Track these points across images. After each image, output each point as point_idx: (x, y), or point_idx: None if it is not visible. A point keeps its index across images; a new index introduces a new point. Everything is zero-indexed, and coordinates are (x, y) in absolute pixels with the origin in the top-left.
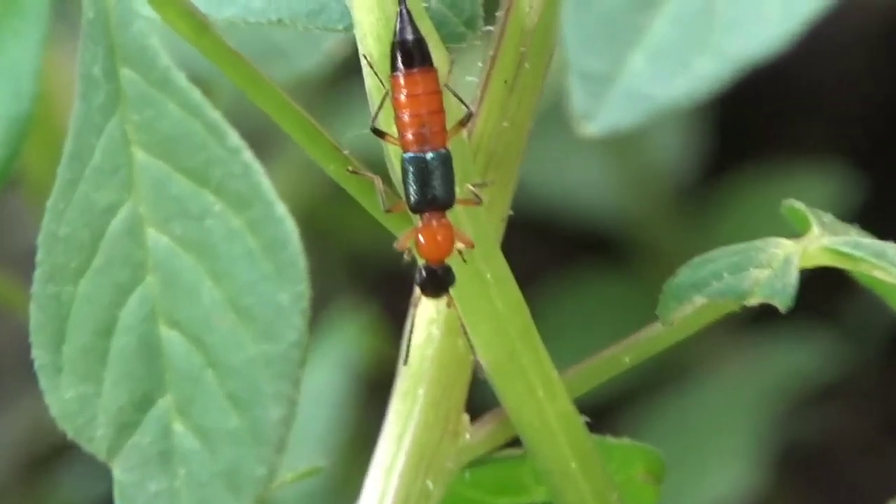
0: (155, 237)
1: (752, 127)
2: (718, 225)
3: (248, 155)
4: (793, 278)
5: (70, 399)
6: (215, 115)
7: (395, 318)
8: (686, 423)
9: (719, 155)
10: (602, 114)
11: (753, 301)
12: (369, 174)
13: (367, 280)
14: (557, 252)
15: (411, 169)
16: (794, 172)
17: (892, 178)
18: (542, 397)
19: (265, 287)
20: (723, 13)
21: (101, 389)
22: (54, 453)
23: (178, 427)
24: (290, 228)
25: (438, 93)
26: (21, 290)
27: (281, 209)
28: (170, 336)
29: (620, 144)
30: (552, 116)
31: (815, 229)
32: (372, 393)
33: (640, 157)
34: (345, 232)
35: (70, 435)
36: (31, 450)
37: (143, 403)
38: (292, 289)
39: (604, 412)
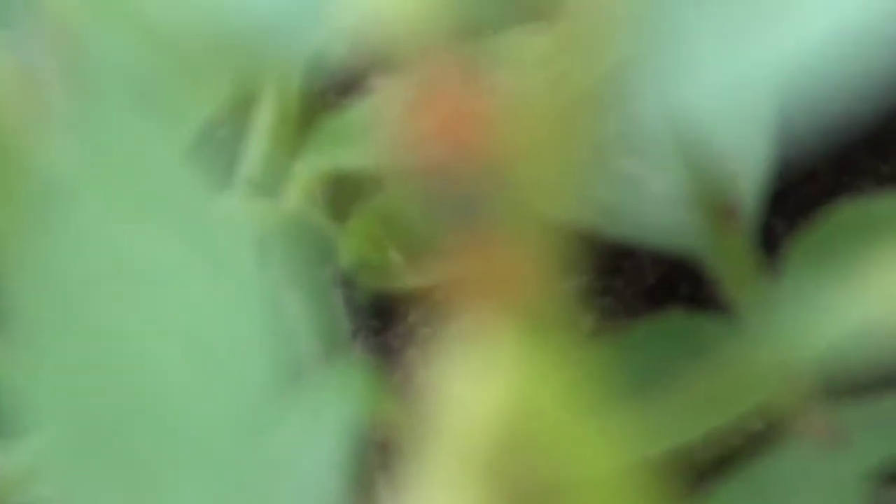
0: (112, 285)
1: None
2: None
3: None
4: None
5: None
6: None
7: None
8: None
9: None
10: None
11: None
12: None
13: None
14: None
15: (438, 190)
16: None
17: None
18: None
19: (237, 340)
20: None
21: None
22: None
23: None
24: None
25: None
26: None
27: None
28: (137, 407)
29: None
30: None
31: None
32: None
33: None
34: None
35: None
36: None
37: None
38: (266, 344)
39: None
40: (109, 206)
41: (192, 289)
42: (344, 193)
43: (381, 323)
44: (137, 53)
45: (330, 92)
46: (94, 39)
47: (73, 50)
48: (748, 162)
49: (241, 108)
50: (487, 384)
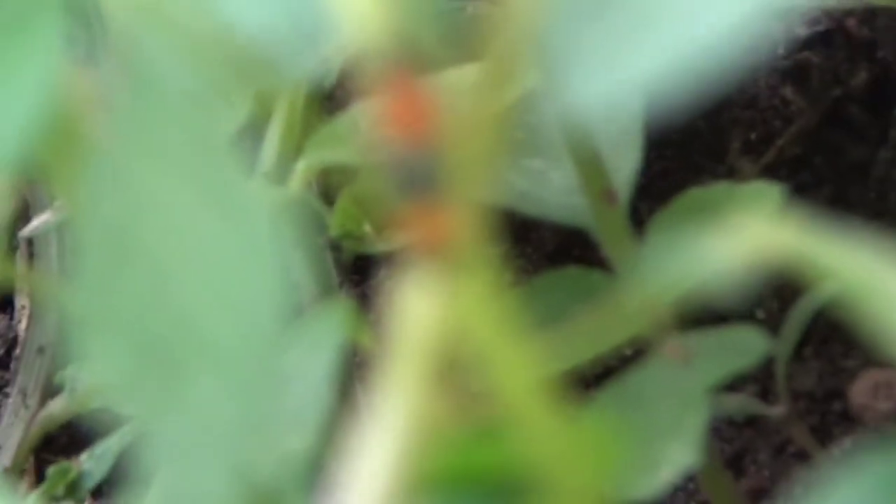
0: (154, 236)
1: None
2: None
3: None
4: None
5: (111, 375)
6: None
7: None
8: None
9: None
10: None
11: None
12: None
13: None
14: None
15: (401, 165)
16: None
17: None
18: (522, 378)
19: (251, 277)
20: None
21: (132, 369)
22: None
23: (186, 406)
24: (273, 227)
25: (421, 93)
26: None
27: (267, 209)
28: (174, 323)
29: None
30: None
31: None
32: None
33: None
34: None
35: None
36: None
37: (161, 386)
38: (272, 280)
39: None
40: (158, 170)
41: (224, 240)
42: (332, 182)
43: (360, 277)
44: (185, 62)
45: (324, 103)
46: (149, 50)
47: (130, 59)
48: (623, 160)
49: (260, 118)
50: (435, 314)
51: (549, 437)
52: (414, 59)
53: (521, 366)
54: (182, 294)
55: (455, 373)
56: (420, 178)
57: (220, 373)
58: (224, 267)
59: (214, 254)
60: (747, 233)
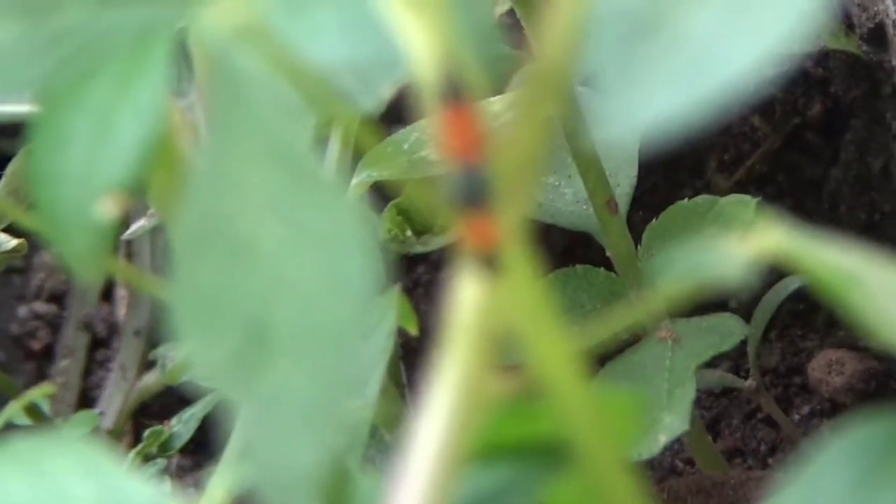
0: (260, 228)
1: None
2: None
3: (322, 166)
4: (741, 266)
5: (198, 350)
6: (305, 136)
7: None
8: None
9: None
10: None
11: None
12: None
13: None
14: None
15: (456, 179)
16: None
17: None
18: (558, 356)
19: (344, 263)
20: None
21: (220, 343)
22: None
23: (280, 373)
24: (361, 220)
25: (475, 120)
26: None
27: (354, 206)
28: (274, 303)
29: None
30: None
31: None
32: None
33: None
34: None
35: (193, 376)
36: None
37: (253, 354)
38: (363, 262)
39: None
40: (251, 172)
41: (311, 233)
42: (380, 195)
43: (403, 273)
44: (276, 85)
45: (379, 123)
46: (244, 75)
47: (225, 83)
48: (622, 177)
49: (320, 139)
50: (484, 301)
51: (578, 403)
52: (467, 90)
53: (554, 343)
54: (273, 280)
55: (496, 347)
56: (473, 191)
57: (307, 352)
58: (312, 256)
59: (303, 244)
60: (754, 238)
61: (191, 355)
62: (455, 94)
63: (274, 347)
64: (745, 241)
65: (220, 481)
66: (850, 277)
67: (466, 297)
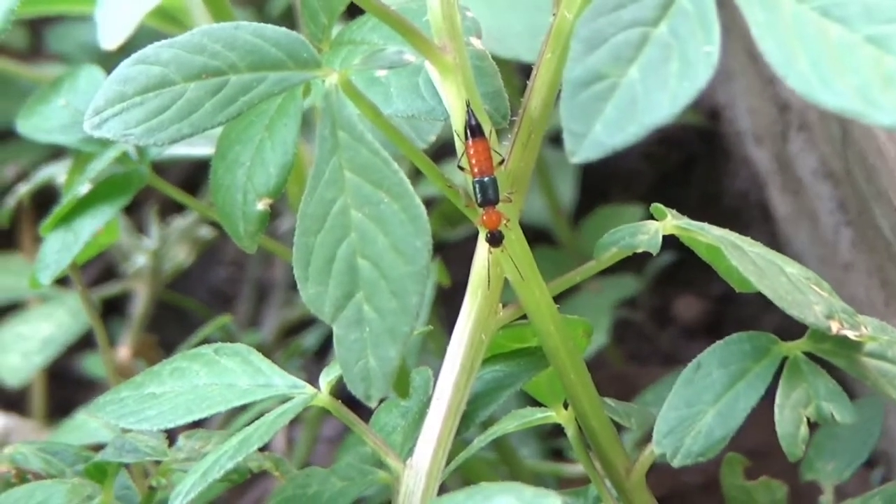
0: (355, 214)
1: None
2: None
3: (402, 174)
4: (659, 238)
5: (312, 293)
6: (386, 154)
7: (449, 264)
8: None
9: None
10: (580, 153)
11: (640, 250)
12: (458, 188)
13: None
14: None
15: (478, 186)
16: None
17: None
18: (539, 296)
19: (410, 238)
20: (644, 97)
21: (328, 289)
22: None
23: (366, 307)
24: (422, 210)
25: (489, 149)
26: (284, 245)
27: (418, 201)
28: (362, 263)
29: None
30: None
31: (669, 217)
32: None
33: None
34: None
35: (311, 311)
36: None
37: (348, 296)
38: (423, 238)
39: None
40: (356, 179)
41: (395, 218)
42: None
43: (444, 250)
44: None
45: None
46: (351, 120)
47: (337, 126)
48: (567, 188)
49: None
50: (492, 261)
51: (551, 326)
52: (483, 131)
53: (537, 289)
54: (360, 244)
55: (501, 291)
56: (487, 194)
57: (392, 293)
58: (387, 230)
59: (381, 221)
60: (661, 223)
61: (306, 295)
62: (476, 133)
63: (357, 290)
64: (654, 225)
65: (327, 376)
66: (724, 245)
67: (481, 259)
